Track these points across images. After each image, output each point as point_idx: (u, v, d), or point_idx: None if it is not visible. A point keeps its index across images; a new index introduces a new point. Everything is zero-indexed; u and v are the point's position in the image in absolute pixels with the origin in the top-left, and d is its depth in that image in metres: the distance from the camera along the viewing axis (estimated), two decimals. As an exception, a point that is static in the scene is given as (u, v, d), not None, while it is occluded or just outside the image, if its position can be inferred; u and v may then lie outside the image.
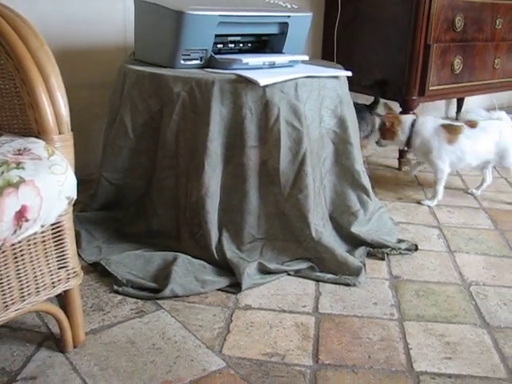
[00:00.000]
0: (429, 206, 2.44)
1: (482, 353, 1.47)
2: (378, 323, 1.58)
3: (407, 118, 2.53)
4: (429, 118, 2.55)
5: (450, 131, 2.42)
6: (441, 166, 2.43)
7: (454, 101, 4.13)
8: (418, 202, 2.48)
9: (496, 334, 1.55)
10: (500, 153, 2.46)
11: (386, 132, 2.52)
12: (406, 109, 2.75)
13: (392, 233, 2.08)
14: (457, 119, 3.94)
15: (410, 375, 1.37)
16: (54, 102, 1.23)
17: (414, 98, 2.74)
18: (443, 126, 2.45)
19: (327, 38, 3.14)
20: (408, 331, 1.55)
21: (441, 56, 2.76)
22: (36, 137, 1.23)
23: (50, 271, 1.29)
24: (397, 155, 2.95)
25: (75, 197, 1.24)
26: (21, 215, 1.07)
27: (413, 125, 2.48)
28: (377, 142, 2.63)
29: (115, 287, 1.68)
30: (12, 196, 1.05)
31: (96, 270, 1.78)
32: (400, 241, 2.03)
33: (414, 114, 2.68)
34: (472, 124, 2.45)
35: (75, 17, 2.38)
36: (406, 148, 2.57)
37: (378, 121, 2.61)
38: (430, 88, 2.76)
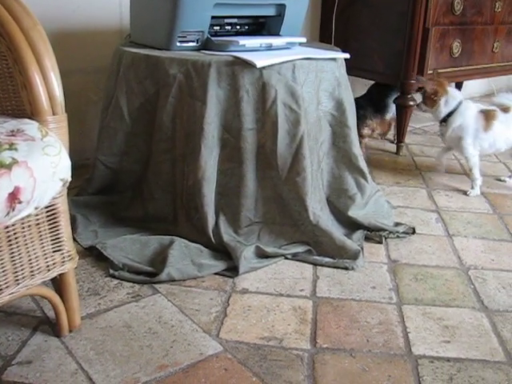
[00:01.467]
0: (476, 195, 2.40)
1: (481, 336, 1.46)
2: (376, 307, 1.57)
3: (456, 94, 2.44)
4: (471, 102, 2.47)
5: (487, 117, 2.37)
6: (472, 152, 2.39)
7: (453, 85, 4.10)
8: (465, 194, 2.42)
9: (495, 317, 1.55)
10: None
11: (428, 99, 2.43)
12: (405, 93, 2.73)
13: (389, 216, 2.07)
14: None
15: (409, 359, 1.36)
16: (48, 82, 1.21)
17: (413, 81, 2.71)
18: (482, 111, 2.40)
19: (325, 22, 3.11)
20: (406, 315, 1.54)
21: (439, 39, 2.73)
22: (29, 118, 1.21)
23: (45, 254, 1.27)
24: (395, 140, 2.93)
25: (69, 179, 1.22)
26: (14, 197, 1.06)
27: (460, 103, 2.41)
28: (417, 105, 2.57)
29: (111, 271, 1.67)
30: (4, 177, 1.04)
31: (92, 255, 1.77)
32: (397, 224, 2.02)
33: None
34: (505, 109, 2.40)
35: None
36: (440, 123, 2.46)
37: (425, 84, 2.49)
38: (429, 71, 2.74)
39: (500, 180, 2.60)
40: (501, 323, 1.52)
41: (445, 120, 2.41)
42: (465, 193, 2.41)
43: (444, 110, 2.40)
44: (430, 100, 2.41)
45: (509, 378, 1.30)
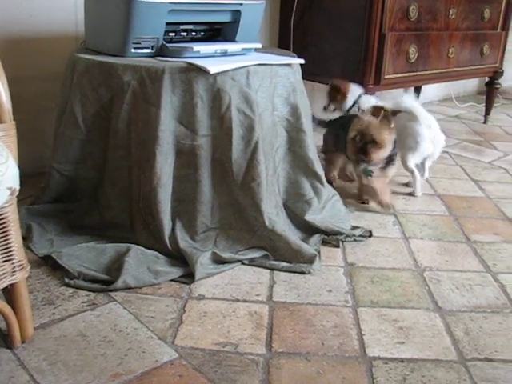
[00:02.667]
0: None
1: (434, 336, 1.48)
2: (331, 310, 1.58)
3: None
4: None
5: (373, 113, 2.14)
6: None
7: (412, 90, 4.16)
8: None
9: (448, 317, 1.57)
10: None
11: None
12: (362, 97, 2.76)
13: (346, 220, 2.08)
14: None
15: (363, 360, 1.38)
16: (-6, 89, 1.20)
17: (370, 86, 2.74)
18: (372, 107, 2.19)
19: (284, 28, 3.13)
20: (362, 317, 1.55)
21: (396, 45, 2.77)
22: (-25, 126, 1.20)
23: (-6, 264, 1.25)
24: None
25: (18, 187, 1.21)
26: (-42, 206, 1.04)
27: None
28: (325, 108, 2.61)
29: (66, 280, 1.65)
30: None
31: (47, 264, 1.74)
32: (354, 227, 2.04)
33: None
34: (395, 112, 2.17)
35: (21, 3, 2.31)
36: None
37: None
38: (386, 76, 2.78)
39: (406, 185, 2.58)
40: (454, 323, 1.54)
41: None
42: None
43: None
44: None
45: (460, 376, 1.33)
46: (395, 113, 2.14)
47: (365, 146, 2.08)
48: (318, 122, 2.42)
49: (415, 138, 2.35)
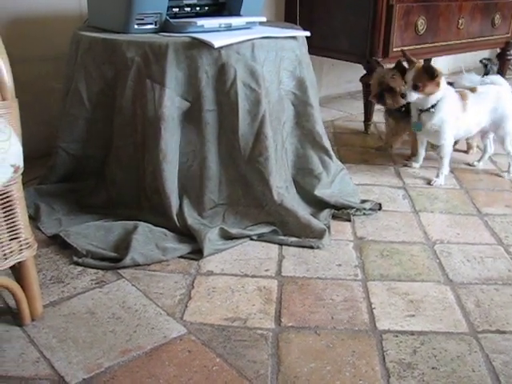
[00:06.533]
0: (440, 185, 2.29)
1: (445, 309, 1.47)
2: (341, 284, 1.57)
3: None
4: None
5: (462, 98, 2.26)
6: (451, 137, 2.29)
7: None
8: (429, 183, 2.30)
9: (459, 290, 1.56)
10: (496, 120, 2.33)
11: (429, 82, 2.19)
12: (370, 71, 2.72)
13: (355, 194, 2.07)
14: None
15: (373, 334, 1.37)
16: (-5, 67, 1.19)
17: (378, 59, 2.70)
18: (456, 92, 2.28)
19: (290, 2, 3.09)
20: (371, 291, 1.54)
21: (404, 16, 2.73)
22: (-23, 104, 1.19)
23: (1, 243, 1.25)
24: (362, 118, 2.93)
25: (22, 165, 1.20)
26: (-40, 184, 1.04)
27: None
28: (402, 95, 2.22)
29: (75, 258, 1.65)
30: (-50, 164, 1.01)
31: (56, 243, 1.75)
32: (363, 201, 2.03)
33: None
34: (472, 89, 2.29)
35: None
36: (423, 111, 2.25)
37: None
38: (394, 49, 2.73)
39: (469, 165, 2.50)
40: (465, 295, 1.53)
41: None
42: (429, 182, 2.30)
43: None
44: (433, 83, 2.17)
45: (471, 349, 1.32)
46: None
47: (382, 92, 2.34)
48: None
49: None
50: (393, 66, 2.38)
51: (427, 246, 1.79)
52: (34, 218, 1.83)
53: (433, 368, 1.26)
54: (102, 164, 1.94)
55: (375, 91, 2.40)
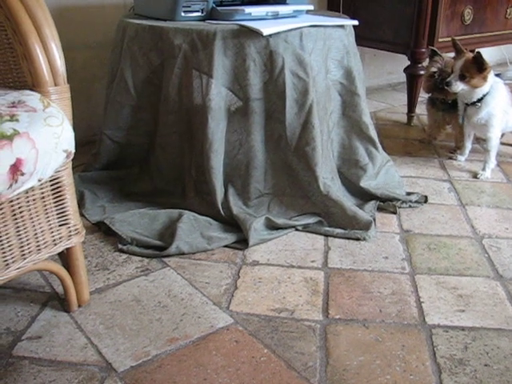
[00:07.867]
0: (487, 179, 2.22)
1: (496, 305, 1.43)
2: (388, 277, 1.55)
3: None
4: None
5: None
6: (498, 130, 2.23)
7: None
8: (475, 177, 2.23)
9: (510, 285, 1.52)
10: None
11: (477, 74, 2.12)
12: (415, 62, 2.68)
13: (400, 186, 2.03)
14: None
15: (423, 328, 1.34)
16: (48, 52, 1.18)
17: (423, 50, 2.66)
18: (505, 84, 2.25)
19: (333, -9, 3.05)
20: (420, 284, 1.52)
21: (450, 6, 2.67)
22: (31, 89, 1.19)
23: (51, 228, 1.25)
24: (405, 110, 2.88)
25: (73, 150, 1.20)
26: (16, 169, 1.04)
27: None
28: (447, 83, 2.14)
29: (120, 246, 1.65)
30: (6, 149, 1.01)
31: (100, 230, 1.76)
32: (409, 193, 1.99)
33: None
34: None
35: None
36: (469, 105, 2.20)
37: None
38: (440, 40, 2.68)
39: None
40: (516, 292, 1.49)
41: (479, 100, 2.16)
42: (475, 175, 2.24)
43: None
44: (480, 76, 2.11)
45: (525, 346, 1.28)
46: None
47: (442, 82, 2.21)
48: None
49: None
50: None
51: (475, 241, 1.75)
52: (78, 205, 1.83)
53: (485, 365, 1.23)
54: (147, 152, 1.94)
55: (431, 81, 2.32)
